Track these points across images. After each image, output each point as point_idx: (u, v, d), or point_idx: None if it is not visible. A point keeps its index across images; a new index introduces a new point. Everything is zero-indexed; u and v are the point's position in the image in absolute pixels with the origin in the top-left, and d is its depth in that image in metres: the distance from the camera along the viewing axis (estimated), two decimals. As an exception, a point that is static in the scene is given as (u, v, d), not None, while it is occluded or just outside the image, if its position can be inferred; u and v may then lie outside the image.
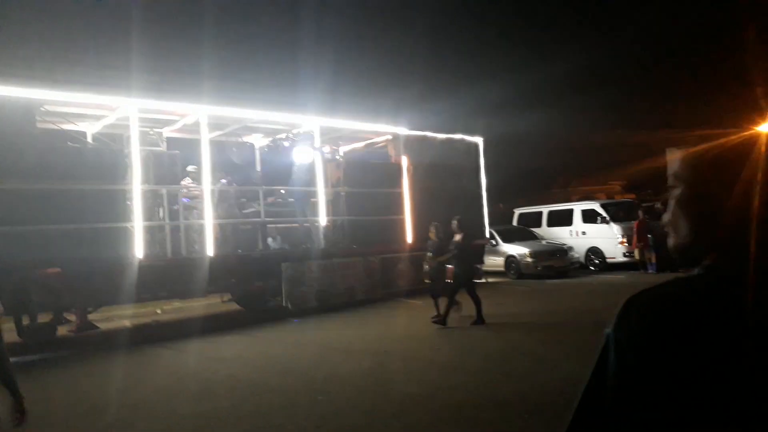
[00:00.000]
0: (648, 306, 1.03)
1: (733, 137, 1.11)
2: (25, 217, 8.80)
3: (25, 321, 10.17)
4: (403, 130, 14.58)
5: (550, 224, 19.45)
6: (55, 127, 10.96)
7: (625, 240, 17.01)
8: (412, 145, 14.64)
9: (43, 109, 10.02)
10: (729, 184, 1.05)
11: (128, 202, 10.11)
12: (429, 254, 10.31)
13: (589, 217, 18.19)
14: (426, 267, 10.49)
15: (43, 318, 10.15)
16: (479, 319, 9.28)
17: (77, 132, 11.58)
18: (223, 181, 12.05)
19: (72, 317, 10.69)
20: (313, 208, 12.95)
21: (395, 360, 7.42)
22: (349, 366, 7.16)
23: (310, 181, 12.89)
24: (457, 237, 9.72)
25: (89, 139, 11.91)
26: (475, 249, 10.14)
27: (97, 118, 11.53)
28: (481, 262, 16.50)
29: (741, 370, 0.93)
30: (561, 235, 18.77)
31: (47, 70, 9.65)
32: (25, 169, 8.92)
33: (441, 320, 9.32)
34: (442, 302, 9.49)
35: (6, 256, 8.50)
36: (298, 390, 6.23)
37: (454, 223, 9.92)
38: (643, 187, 29.96)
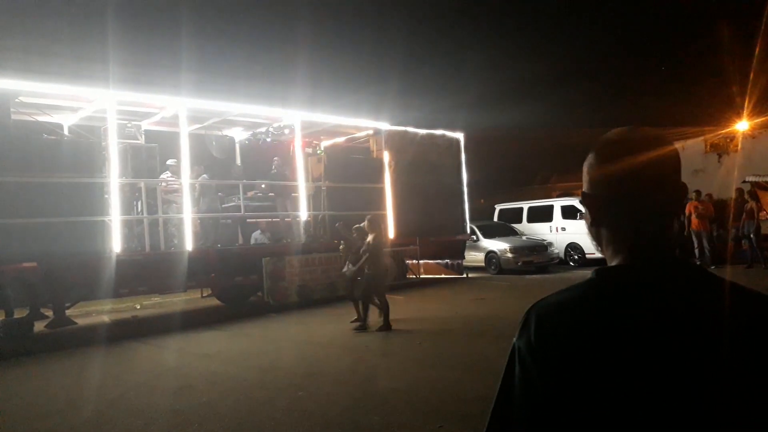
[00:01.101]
0: (545, 314, 1.02)
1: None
2: (0, 210, 8.64)
3: (1, 316, 9.99)
4: (385, 125, 14.57)
5: (531, 220, 19.61)
6: (31, 119, 10.76)
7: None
8: (394, 141, 14.63)
9: (18, 100, 9.82)
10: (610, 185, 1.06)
11: (106, 196, 9.97)
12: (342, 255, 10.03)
13: (569, 213, 18.35)
14: (344, 269, 10.09)
15: (20, 313, 9.97)
16: (386, 325, 8.85)
17: (53, 124, 11.38)
18: (205, 176, 11.95)
19: (49, 312, 10.51)
20: (294, 202, 12.89)
21: (376, 355, 7.43)
22: (330, 361, 7.15)
23: (290, 176, 12.82)
24: (369, 238, 9.19)
25: (66, 132, 11.72)
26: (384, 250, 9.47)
27: (74, 110, 11.35)
28: (462, 257, 16.60)
29: (635, 377, 0.93)
30: (541, 230, 18.93)
31: (22, 60, 9.47)
32: (-1, 161, 8.75)
33: (361, 326, 8.99)
34: (368, 306, 9.16)
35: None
36: (278, 386, 6.20)
37: (365, 223, 9.41)
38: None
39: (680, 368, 0.92)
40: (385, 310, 8.98)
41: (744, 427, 0.90)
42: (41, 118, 10.96)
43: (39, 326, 9.85)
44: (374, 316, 9.14)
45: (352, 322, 9.31)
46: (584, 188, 1.11)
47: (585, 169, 1.11)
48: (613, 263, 1.06)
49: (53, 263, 9.33)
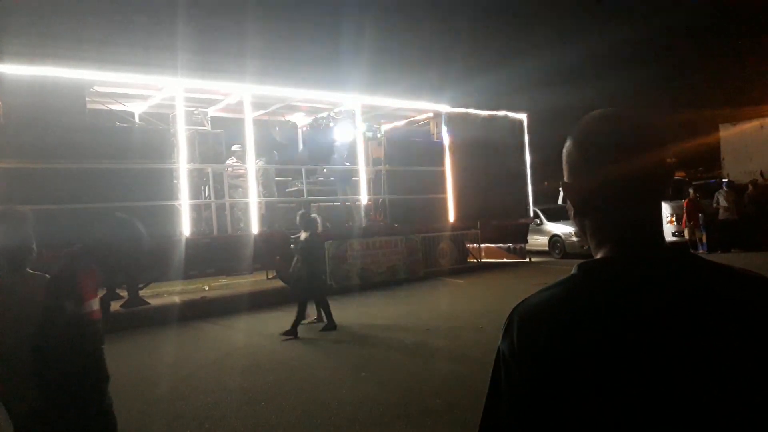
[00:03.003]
0: (526, 315, 0.97)
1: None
2: (75, 196, 9.07)
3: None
4: (445, 108, 14.42)
5: (596, 203, 19.05)
6: (105, 108, 11.23)
7: (674, 219, 16.52)
8: (455, 123, 14.47)
9: (92, 89, 10.25)
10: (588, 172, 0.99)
11: (175, 181, 10.31)
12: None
13: (637, 194, 17.69)
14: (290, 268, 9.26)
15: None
16: (330, 324, 8.15)
17: (125, 112, 11.84)
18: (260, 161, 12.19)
19: (124, 293, 11.04)
20: (354, 186, 12.98)
21: (437, 338, 7.43)
22: (392, 344, 7.20)
23: (351, 160, 12.90)
24: (302, 235, 8.48)
25: (137, 119, 12.17)
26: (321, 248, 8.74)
27: (144, 98, 11.75)
28: (525, 241, 16.33)
29: (627, 379, 0.86)
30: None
31: (97, 51, 9.86)
32: (75, 149, 9.17)
33: (291, 330, 7.83)
34: (311, 307, 8.37)
35: (58, 234, 8.80)
36: (341, 365, 6.30)
37: (297, 219, 8.75)
38: (693, 164, 29.03)
39: (676, 367, 0.86)
40: (326, 310, 8.21)
41: (745, 425, 0.84)
42: (114, 107, 11.42)
43: (115, 306, 10.35)
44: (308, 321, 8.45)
45: (310, 323, 8.49)
46: (565, 177, 1.04)
47: (564, 157, 1.05)
48: (599, 255, 1.00)
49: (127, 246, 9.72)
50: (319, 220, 9.10)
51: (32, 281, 3.10)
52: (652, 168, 0.97)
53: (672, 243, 13.84)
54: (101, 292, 2.98)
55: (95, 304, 2.83)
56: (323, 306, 8.39)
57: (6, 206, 3.42)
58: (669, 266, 0.94)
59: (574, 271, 0.99)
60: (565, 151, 1.05)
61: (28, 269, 3.12)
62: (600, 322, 0.90)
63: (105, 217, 3.24)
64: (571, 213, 1.06)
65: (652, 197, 0.99)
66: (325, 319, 8.32)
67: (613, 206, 0.98)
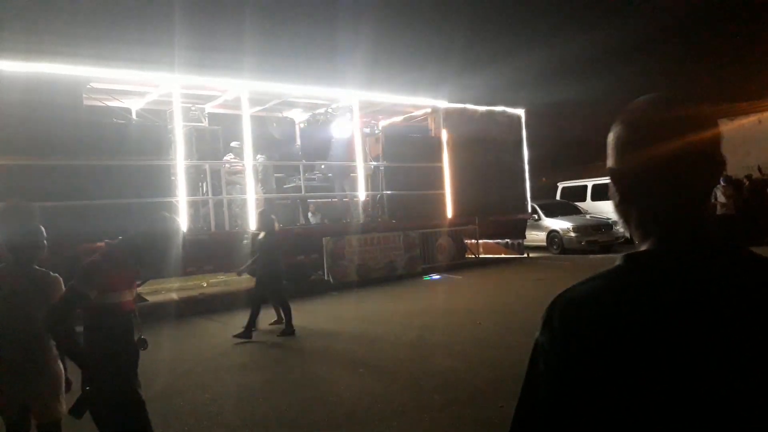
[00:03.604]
0: (570, 307, 0.94)
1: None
2: (72, 192, 9.04)
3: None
4: (443, 103, 14.40)
5: (595, 198, 19.05)
6: (101, 104, 11.19)
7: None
8: (453, 118, 14.45)
9: (89, 86, 10.22)
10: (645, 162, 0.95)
11: (172, 177, 10.29)
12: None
13: (635, 190, 17.71)
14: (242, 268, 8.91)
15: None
16: (288, 329, 7.74)
17: (122, 108, 11.80)
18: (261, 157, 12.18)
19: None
20: (352, 183, 12.97)
21: (435, 334, 7.43)
22: (390, 340, 7.20)
23: (349, 156, 12.88)
24: (260, 235, 8.24)
25: (134, 116, 12.14)
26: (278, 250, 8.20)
27: (141, 94, 11.72)
28: (523, 237, 16.34)
29: (665, 370, 0.85)
30: (606, 209, 18.34)
31: (93, 47, 9.83)
32: (72, 146, 9.14)
33: (244, 333, 7.53)
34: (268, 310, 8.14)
35: (55, 231, 8.77)
36: (339, 362, 6.30)
37: (254, 219, 8.30)
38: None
39: (718, 363, 0.85)
40: (286, 314, 7.84)
41: None
42: (111, 103, 11.39)
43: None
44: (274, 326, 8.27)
45: (270, 324, 8.30)
46: (611, 163, 1.02)
47: (611, 142, 1.02)
48: (643, 246, 0.98)
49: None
50: (275, 218, 8.55)
51: (37, 279, 3.10)
52: (704, 153, 0.95)
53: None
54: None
55: (128, 295, 2.90)
56: (284, 309, 7.93)
57: (12, 201, 3.41)
58: (716, 260, 0.92)
59: (619, 262, 0.98)
60: (612, 135, 1.02)
61: (35, 266, 3.12)
62: (645, 315, 0.88)
63: (146, 212, 3.33)
64: (616, 201, 1.03)
65: (701, 185, 0.96)
66: (284, 322, 7.89)
67: (661, 193, 0.96)
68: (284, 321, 7.88)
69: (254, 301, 7.85)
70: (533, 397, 0.96)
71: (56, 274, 3.16)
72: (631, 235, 1.04)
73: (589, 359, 0.89)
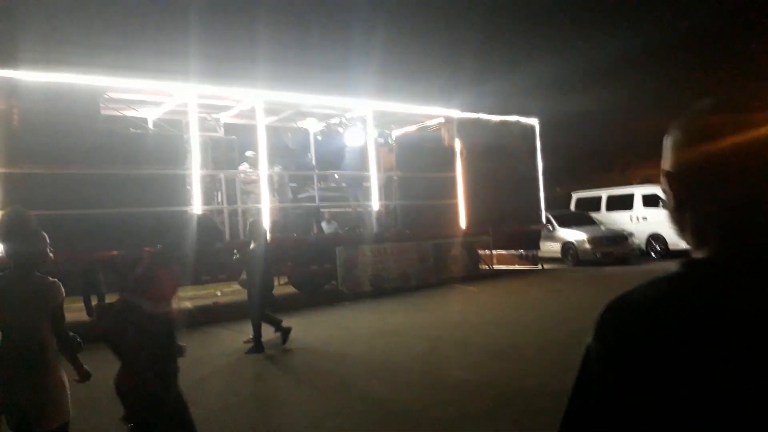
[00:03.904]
0: (625, 312, 0.91)
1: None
2: (89, 201, 9.13)
3: (94, 301, 10.62)
4: (457, 113, 14.40)
5: (610, 209, 18.93)
6: (118, 114, 11.31)
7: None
8: (466, 128, 14.44)
9: (106, 96, 10.34)
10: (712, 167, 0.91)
11: (188, 187, 10.36)
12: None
13: (651, 201, 17.57)
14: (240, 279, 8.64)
15: (110, 298, 10.56)
16: (257, 347, 7.35)
17: (139, 118, 11.92)
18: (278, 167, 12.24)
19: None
20: (366, 192, 12.98)
21: (449, 346, 7.39)
22: (403, 350, 7.16)
23: (362, 166, 12.91)
24: (252, 245, 7.98)
25: (150, 125, 12.25)
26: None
27: (158, 104, 11.82)
28: (537, 247, 16.24)
29: (727, 377, 0.81)
30: (621, 220, 18.24)
31: (111, 57, 9.95)
32: (89, 155, 9.24)
33: (254, 348, 7.41)
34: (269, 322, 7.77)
35: (74, 239, 8.86)
36: (352, 372, 6.27)
37: (247, 228, 8.13)
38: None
39: None
40: (257, 333, 7.49)
41: None
42: (128, 113, 11.51)
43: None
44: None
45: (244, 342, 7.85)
46: (668, 166, 0.98)
47: (669, 144, 0.98)
48: (699, 254, 0.95)
49: (139, 251, 9.78)
50: (266, 229, 8.38)
51: (36, 285, 3.12)
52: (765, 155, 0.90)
53: None
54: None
55: (173, 303, 3.02)
56: (255, 325, 7.54)
57: (9, 209, 3.46)
58: None
59: (677, 269, 0.94)
60: (669, 138, 0.99)
61: (36, 272, 3.15)
62: (709, 326, 0.85)
63: (189, 219, 3.41)
64: (671, 206, 1.00)
65: (764, 188, 0.91)
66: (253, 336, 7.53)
67: (721, 203, 0.92)
68: (282, 335, 7.65)
69: (254, 313, 7.65)
70: (583, 403, 0.93)
71: (54, 279, 3.17)
72: (685, 241, 1.00)
73: (644, 368, 0.86)
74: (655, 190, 17.89)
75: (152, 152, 9.99)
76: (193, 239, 2.99)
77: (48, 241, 3.22)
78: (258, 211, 11.30)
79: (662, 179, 1.01)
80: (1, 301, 3.09)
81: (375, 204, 12.97)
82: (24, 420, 3.08)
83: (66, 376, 3.20)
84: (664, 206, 1.03)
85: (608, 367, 0.90)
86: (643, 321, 0.89)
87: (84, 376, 3.29)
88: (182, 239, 3.00)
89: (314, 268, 12.16)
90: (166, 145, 10.48)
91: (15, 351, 3.04)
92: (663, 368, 0.85)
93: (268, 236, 8.34)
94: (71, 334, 3.20)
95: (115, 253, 9.62)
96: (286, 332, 7.67)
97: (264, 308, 7.75)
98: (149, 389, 2.79)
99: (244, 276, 8.16)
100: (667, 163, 0.99)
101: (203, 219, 3.16)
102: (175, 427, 2.91)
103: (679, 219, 0.99)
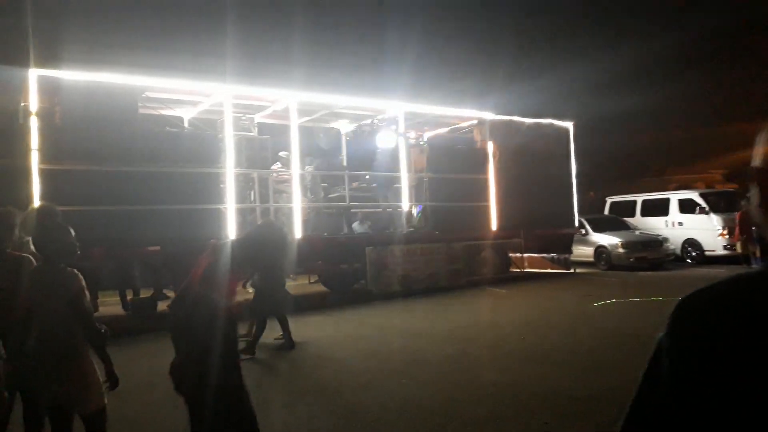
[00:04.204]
0: (704, 309, 0.89)
1: None
2: (127, 198, 9.34)
3: (129, 296, 10.87)
4: (489, 115, 14.31)
5: (644, 214, 18.60)
6: (156, 113, 11.54)
7: (726, 232, 16.01)
8: (499, 130, 14.35)
9: (144, 95, 10.55)
10: None
11: (222, 185, 10.51)
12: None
13: (687, 206, 17.23)
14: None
15: (145, 293, 10.80)
16: (251, 348, 7.16)
17: (175, 117, 12.14)
18: (309, 167, 12.33)
19: (170, 293, 11.28)
20: (396, 193, 12.99)
21: (479, 347, 7.35)
22: (433, 351, 7.15)
23: (393, 167, 12.93)
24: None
25: (186, 125, 12.47)
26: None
27: (194, 104, 12.03)
28: (569, 251, 16.05)
29: None
30: (656, 225, 17.91)
31: (149, 58, 10.15)
32: (127, 153, 9.45)
33: (286, 343, 7.49)
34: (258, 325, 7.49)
35: (111, 235, 9.07)
36: (381, 372, 6.29)
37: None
38: (746, 176, 28.04)
39: None
40: (259, 332, 7.35)
41: None
42: (164, 112, 11.73)
43: (162, 305, 10.60)
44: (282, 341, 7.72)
45: (276, 339, 7.80)
46: (759, 163, 0.97)
47: (763, 141, 0.97)
48: None
49: (174, 247, 9.97)
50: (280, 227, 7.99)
51: (60, 275, 3.23)
52: None
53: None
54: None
55: (237, 296, 3.21)
56: (258, 324, 7.38)
57: (41, 204, 3.59)
58: None
59: (761, 268, 0.93)
60: (762, 135, 0.98)
61: (62, 265, 3.25)
62: None
63: (256, 218, 3.68)
64: (759, 201, 0.98)
65: None
66: (281, 336, 7.56)
67: None
68: (254, 335, 7.36)
69: (257, 313, 7.45)
70: (652, 400, 0.92)
71: (73, 269, 3.26)
72: None
73: (721, 366, 0.85)
74: (692, 195, 17.54)
75: (188, 151, 10.17)
76: (271, 248, 3.19)
77: (73, 234, 3.32)
78: (289, 211, 11.42)
79: (751, 175, 0.99)
80: (33, 293, 3.22)
81: (405, 205, 12.97)
82: (59, 406, 3.20)
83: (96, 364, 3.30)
84: (751, 202, 1.01)
85: (682, 364, 0.88)
86: (723, 318, 0.87)
87: (112, 380, 3.29)
88: (252, 237, 3.20)
89: (344, 267, 12.21)
90: (201, 144, 10.66)
91: (47, 340, 3.16)
92: (741, 367, 0.83)
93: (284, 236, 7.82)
94: (100, 325, 3.26)
95: (151, 249, 9.82)
96: (254, 341, 7.32)
97: (283, 305, 7.69)
98: (214, 381, 2.89)
99: (256, 277, 7.88)
100: (758, 159, 0.98)
101: (278, 231, 3.35)
102: (236, 417, 3.01)
103: (765, 215, 0.98)
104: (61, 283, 3.20)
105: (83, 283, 3.23)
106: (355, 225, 13.04)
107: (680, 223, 17.35)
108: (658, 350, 0.93)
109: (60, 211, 3.73)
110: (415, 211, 13.46)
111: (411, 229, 13.01)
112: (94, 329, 3.23)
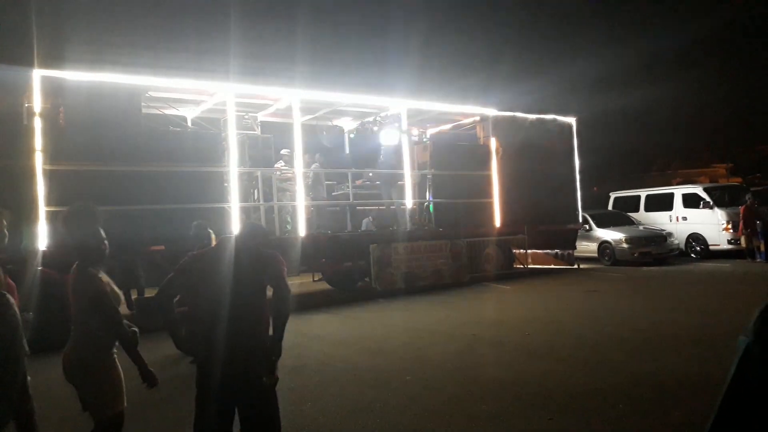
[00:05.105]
0: None
1: None
2: (131, 197, 9.37)
3: (134, 295, 10.90)
4: (492, 111, 14.30)
5: (648, 209, 18.56)
6: (158, 112, 11.56)
7: (730, 226, 15.97)
8: (502, 127, 14.33)
9: (147, 95, 10.58)
10: None
11: (225, 184, 10.54)
12: None
13: (691, 201, 17.18)
14: None
15: (149, 293, 10.82)
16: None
17: (178, 117, 12.16)
18: (316, 164, 12.34)
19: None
20: (400, 190, 12.99)
21: (483, 344, 7.36)
22: (437, 348, 7.17)
23: (397, 164, 12.93)
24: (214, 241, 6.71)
25: (189, 124, 12.49)
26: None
27: (197, 103, 12.05)
28: (573, 247, 16.03)
29: None
30: (660, 220, 17.87)
31: (152, 57, 10.18)
32: (131, 153, 9.48)
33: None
34: None
35: (116, 234, 9.10)
36: (386, 369, 6.31)
37: (192, 231, 7.28)
38: (751, 170, 27.99)
39: None
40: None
41: None
42: (168, 112, 11.75)
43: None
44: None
45: None
46: None
47: None
48: None
49: (178, 246, 10.00)
50: (212, 232, 7.32)
51: (82, 278, 3.25)
52: None
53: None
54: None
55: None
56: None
57: (78, 204, 3.59)
58: None
59: (762, 260, 0.94)
60: None
61: (90, 268, 3.26)
62: None
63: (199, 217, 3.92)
64: None
65: None
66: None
67: None
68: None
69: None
70: (741, 405, 0.92)
71: (94, 272, 3.28)
72: None
73: None
74: (696, 190, 17.49)
75: (191, 150, 10.19)
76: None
77: (104, 236, 3.34)
78: (293, 209, 11.44)
79: None
80: (72, 298, 3.27)
81: (409, 202, 12.98)
82: (85, 408, 3.27)
83: (120, 367, 3.33)
84: None
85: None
86: None
87: (150, 379, 3.32)
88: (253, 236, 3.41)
89: (348, 265, 12.23)
90: (204, 143, 10.68)
91: (77, 343, 3.22)
92: None
93: (213, 241, 7.02)
94: (129, 326, 3.28)
95: (155, 248, 9.85)
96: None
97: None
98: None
99: None
100: None
101: (261, 234, 3.54)
102: (259, 414, 3.36)
103: None
104: (82, 287, 3.23)
105: (102, 285, 3.23)
106: (366, 221, 13.04)
107: (684, 218, 17.31)
108: (745, 356, 0.92)
109: (100, 210, 3.60)
110: (426, 204, 13.48)
111: (424, 226, 13.00)
112: (121, 332, 3.24)
